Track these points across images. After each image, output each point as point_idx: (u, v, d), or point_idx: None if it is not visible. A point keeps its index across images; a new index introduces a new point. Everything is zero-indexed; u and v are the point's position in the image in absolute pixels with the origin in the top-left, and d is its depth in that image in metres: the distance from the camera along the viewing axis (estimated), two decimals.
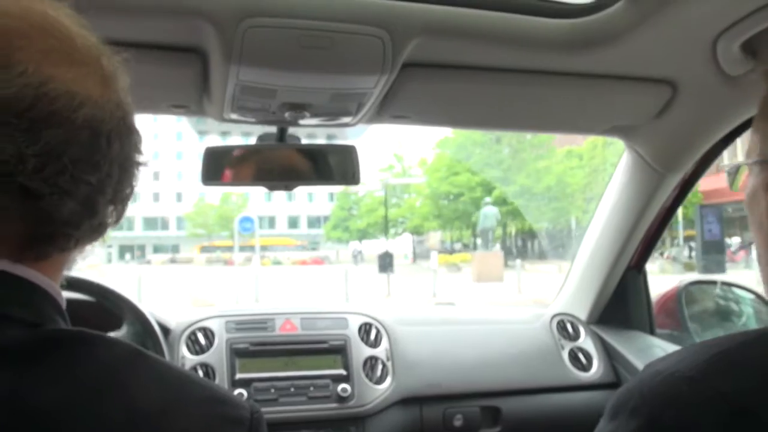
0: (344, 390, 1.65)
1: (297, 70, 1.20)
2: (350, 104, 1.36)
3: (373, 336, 1.78)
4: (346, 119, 1.46)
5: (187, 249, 46.47)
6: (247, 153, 1.50)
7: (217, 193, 45.00)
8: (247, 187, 1.54)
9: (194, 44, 1.16)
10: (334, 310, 1.85)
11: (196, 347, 1.68)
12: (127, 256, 46.84)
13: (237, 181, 1.52)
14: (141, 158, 0.66)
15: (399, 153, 37.89)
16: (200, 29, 1.09)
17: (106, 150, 0.60)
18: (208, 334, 1.70)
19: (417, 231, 38.50)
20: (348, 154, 1.50)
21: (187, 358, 1.65)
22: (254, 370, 1.66)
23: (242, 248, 28.19)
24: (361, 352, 1.73)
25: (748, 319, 2.12)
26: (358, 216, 40.86)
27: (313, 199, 52.75)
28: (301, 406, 1.62)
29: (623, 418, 0.61)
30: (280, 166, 1.49)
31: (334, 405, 1.64)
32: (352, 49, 1.15)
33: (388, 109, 1.41)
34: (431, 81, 1.32)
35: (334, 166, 1.51)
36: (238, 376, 1.64)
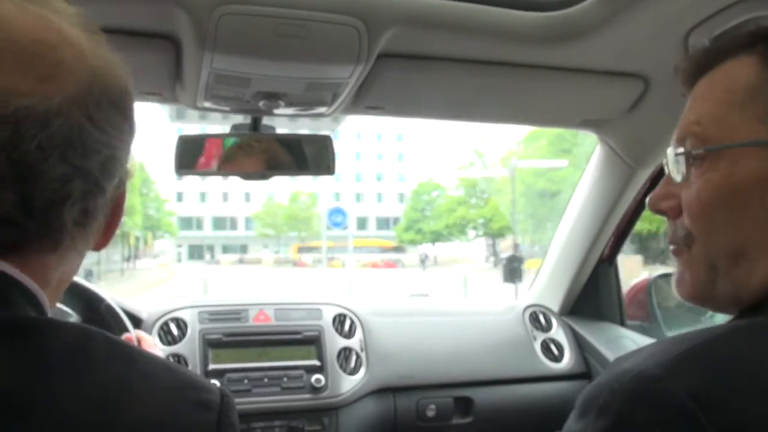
0: (318, 381, 1.65)
1: (271, 59, 1.19)
2: (325, 94, 1.35)
3: (347, 327, 1.78)
4: (321, 109, 1.45)
5: (255, 249, 45.91)
6: (221, 142, 1.49)
7: (285, 192, 44.53)
8: (221, 176, 1.53)
9: (168, 31, 1.15)
10: (308, 301, 1.85)
11: (168, 338, 1.66)
12: (196, 255, 46.46)
13: (210, 170, 1.51)
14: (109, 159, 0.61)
15: (480, 149, 34.06)
16: (174, 15, 1.07)
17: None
18: (181, 324, 1.69)
19: (500, 233, 35.28)
20: (323, 144, 1.49)
21: (159, 349, 1.63)
22: (227, 360, 1.65)
23: (333, 249, 26.74)
24: (335, 342, 1.73)
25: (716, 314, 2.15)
26: (431, 217, 39.53)
27: (383, 199, 52.18)
28: (275, 397, 1.62)
29: (591, 417, 0.61)
30: (255, 155, 1.48)
31: (307, 396, 1.64)
32: (327, 39, 1.14)
33: (364, 100, 1.41)
34: (406, 72, 1.32)
35: (309, 156, 1.50)
36: (211, 366, 1.63)
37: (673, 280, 0.77)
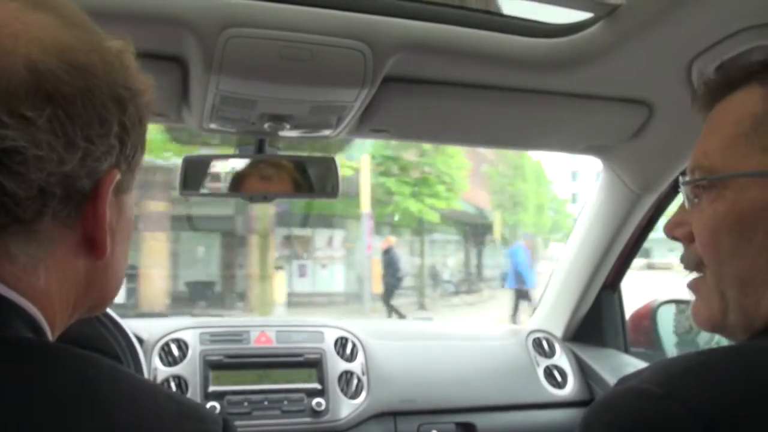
0: (319, 404, 1.63)
1: (277, 82, 1.20)
2: (330, 117, 1.36)
3: (348, 350, 1.77)
4: (327, 132, 1.46)
5: (660, 253, 42.35)
6: (226, 163, 1.50)
7: None
8: (225, 197, 1.53)
9: (175, 53, 1.16)
10: (309, 324, 1.84)
11: (169, 359, 1.66)
12: None
13: (215, 191, 1.51)
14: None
15: None
16: (181, 38, 1.09)
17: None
18: (182, 345, 1.68)
19: None
20: (328, 167, 1.49)
21: (160, 370, 1.62)
22: (228, 382, 1.64)
23: None
24: (336, 366, 1.72)
25: (721, 338, 2.14)
26: None
27: None
28: (275, 420, 1.61)
29: None
30: (259, 177, 1.49)
31: (308, 419, 1.62)
32: (332, 62, 1.15)
33: (369, 123, 1.42)
34: (412, 96, 1.33)
35: (313, 179, 1.50)
36: (212, 388, 1.62)
37: (690, 308, 0.78)
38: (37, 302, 0.57)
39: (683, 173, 0.79)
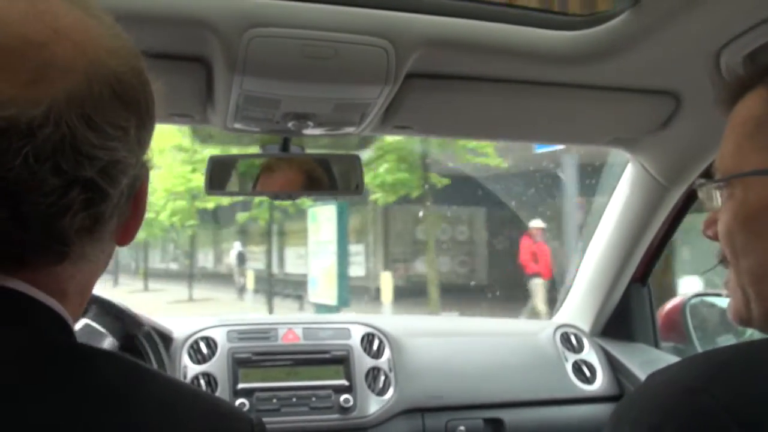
0: (346, 401, 1.64)
1: (300, 80, 1.20)
2: (354, 114, 1.36)
3: (375, 346, 1.78)
4: (350, 129, 1.46)
5: None
6: (251, 162, 1.51)
7: None
8: (251, 196, 1.55)
9: (199, 54, 1.17)
10: (336, 321, 1.85)
11: (198, 356, 1.67)
12: None
13: (241, 190, 1.53)
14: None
15: None
16: (205, 39, 1.10)
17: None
18: (210, 343, 1.70)
19: None
20: (352, 164, 1.50)
21: (189, 368, 1.64)
22: (256, 379, 1.65)
23: None
24: (363, 362, 1.73)
25: (754, 332, 2.10)
26: None
27: None
28: (303, 417, 1.62)
29: (624, 430, 0.61)
30: (284, 175, 1.50)
31: (336, 416, 1.63)
32: (355, 60, 1.15)
33: (392, 119, 1.42)
34: (434, 91, 1.32)
35: (337, 176, 1.51)
36: (240, 385, 1.63)
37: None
38: (75, 297, 0.59)
39: (708, 169, 0.81)
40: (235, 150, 1.56)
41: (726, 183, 0.74)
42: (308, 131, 1.43)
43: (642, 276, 1.98)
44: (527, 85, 1.33)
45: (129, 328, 1.58)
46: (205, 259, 23.58)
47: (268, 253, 17.02)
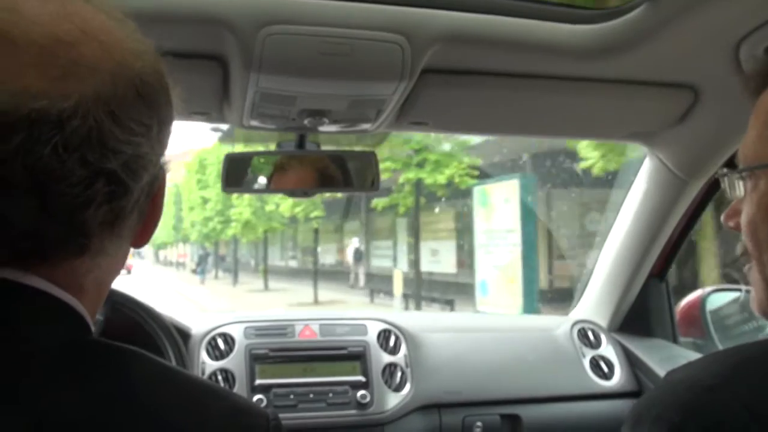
0: (363, 396, 1.64)
1: (316, 77, 1.20)
2: (369, 111, 1.36)
3: (392, 342, 1.78)
4: (366, 126, 1.46)
5: None
6: (267, 160, 1.52)
7: None
8: (267, 193, 1.55)
9: (215, 52, 1.17)
10: (352, 317, 1.85)
11: (215, 353, 1.69)
12: None
13: (257, 187, 1.53)
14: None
15: None
16: (221, 37, 1.10)
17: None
18: (228, 339, 1.71)
19: None
20: (368, 161, 1.50)
21: (207, 364, 1.66)
22: (273, 376, 1.66)
23: None
24: (380, 358, 1.73)
25: None
26: None
27: None
28: (321, 413, 1.62)
29: (644, 428, 0.60)
30: (300, 172, 1.50)
31: (353, 411, 1.64)
32: (371, 56, 1.15)
33: (407, 116, 1.41)
34: (450, 87, 1.32)
35: (353, 173, 1.51)
36: (258, 381, 1.64)
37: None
38: (92, 294, 0.60)
39: (729, 161, 0.79)
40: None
41: (750, 173, 0.72)
42: (324, 128, 1.43)
43: (660, 271, 1.96)
44: (544, 80, 1.33)
45: (149, 325, 1.59)
46: (328, 255, 22.11)
47: (415, 246, 14.93)
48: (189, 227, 27.11)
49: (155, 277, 31.68)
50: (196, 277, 27.51)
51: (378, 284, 16.84)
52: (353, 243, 18.02)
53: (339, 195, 12.36)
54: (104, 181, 0.54)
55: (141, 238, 0.64)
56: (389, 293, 15.24)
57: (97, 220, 0.55)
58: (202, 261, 27.88)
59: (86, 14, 0.56)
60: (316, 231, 18.48)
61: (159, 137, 0.59)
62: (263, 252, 23.44)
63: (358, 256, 17.60)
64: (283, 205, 14.26)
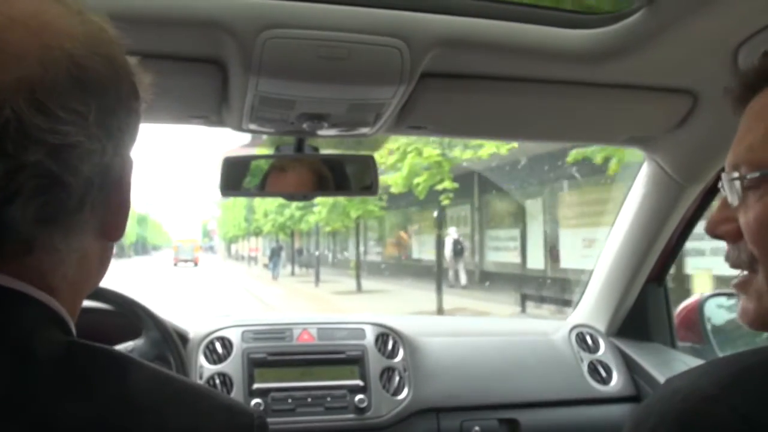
0: (361, 401, 1.64)
1: (315, 81, 1.20)
2: (368, 115, 1.36)
3: (390, 347, 1.78)
4: (364, 130, 1.46)
5: None
6: (266, 163, 1.52)
7: None
8: (266, 196, 1.55)
9: (214, 56, 1.17)
10: (351, 321, 1.85)
11: (213, 356, 1.68)
12: None
13: (255, 190, 1.53)
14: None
15: None
16: (220, 41, 1.10)
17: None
18: (226, 343, 1.70)
19: None
20: (366, 164, 1.50)
21: (205, 368, 1.65)
22: (271, 379, 1.66)
23: None
24: (378, 362, 1.73)
25: None
26: None
27: None
28: (319, 417, 1.62)
29: None
30: (298, 176, 1.50)
31: (351, 416, 1.63)
32: (370, 60, 1.15)
33: (406, 120, 1.42)
34: (449, 91, 1.32)
35: (351, 177, 1.51)
36: (256, 385, 1.64)
37: (738, 307, 0.74)
38: (66, 293, 0.59)
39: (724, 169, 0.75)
40: None
41: (762, 177, 0.67)
42: (323, 132, 1.43)
43: (658, 275, 1.96)
44: (543, 84, 1.33)
45: (149, 328, 1.59)
46: (424, 248, 18.90)
47: (522, 238, 12.62)
48: (261, 218, 25.12)
49: (223, 272, 29.80)
50: (268, 273, 25.26)
51: (498, 283, 14.29)
52: (450, 234, 15.42)
53: None
54: (27, 173, 0.51)
55: (113, 232, 0.62)
56: (540, 299, 11.73)
57: (29, 215, 0.52)
58: (274, 255, 25.32)
59: (21, 2, 0.54)
60: (442, 209, 13.60)
61: (101, 125, 0.56)
62: (346, 245, 20.30)
63: (459, 249, 15.06)
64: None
